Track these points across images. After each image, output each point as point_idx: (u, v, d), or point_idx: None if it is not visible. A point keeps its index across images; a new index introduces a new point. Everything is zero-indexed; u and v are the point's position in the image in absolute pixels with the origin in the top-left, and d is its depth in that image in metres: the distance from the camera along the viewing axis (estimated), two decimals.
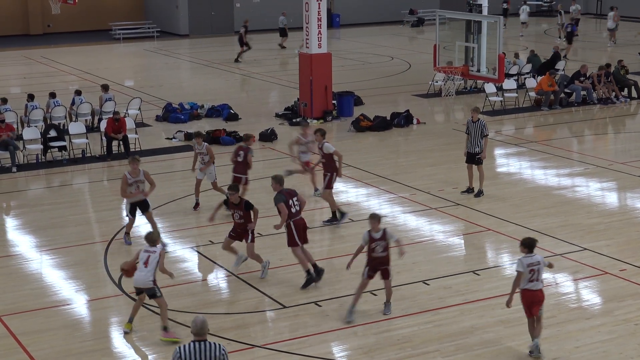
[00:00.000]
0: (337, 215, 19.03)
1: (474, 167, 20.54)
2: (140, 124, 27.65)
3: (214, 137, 26.09)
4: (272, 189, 16.01)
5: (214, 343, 10.33)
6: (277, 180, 15.93)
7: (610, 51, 43.23)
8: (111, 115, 25.06)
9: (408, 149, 25.81)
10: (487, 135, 20.53)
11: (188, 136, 26.42)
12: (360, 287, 14.54)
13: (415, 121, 28.32)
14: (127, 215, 18.02)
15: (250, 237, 15.98)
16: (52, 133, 24.73)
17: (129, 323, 14.15)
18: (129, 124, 25.53)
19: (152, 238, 13.95)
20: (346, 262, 16.58)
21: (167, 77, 38.57)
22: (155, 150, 25.39)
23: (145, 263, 13.76)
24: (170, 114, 29.31)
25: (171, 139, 26.72)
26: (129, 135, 24.86)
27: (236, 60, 41.90)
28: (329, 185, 18.99)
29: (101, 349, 13.69)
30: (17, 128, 25.70)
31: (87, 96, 29.14)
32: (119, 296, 15.52)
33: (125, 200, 17.91)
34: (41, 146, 24.50)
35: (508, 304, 13.09)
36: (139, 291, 14.04)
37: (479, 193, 20.53)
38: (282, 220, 15.59)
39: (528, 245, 13.05)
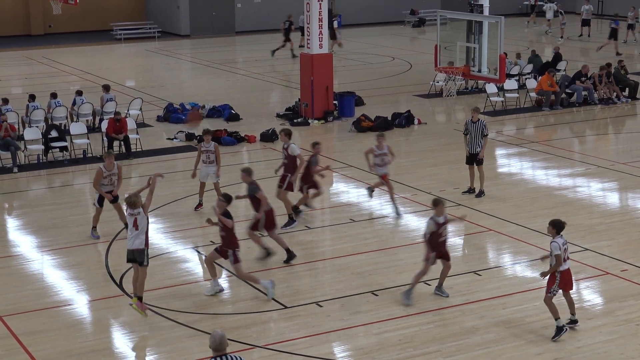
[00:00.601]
0: (293, 217, 18.90)
1: (475, 167, 20.55)
2: (141, 124, 27.65)
3: (215, 138, 26.05)
4: (243, 181, 16.74)
5: (234, 356, 10.08)
6: (248, 172, 16.67)
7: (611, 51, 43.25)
8: (112, 116, 25.06)
9: (409, 149, 25.80)
10: (487, 135, 20.52)
11: (189, 136, 26.42)
12: (422, 273, 14.87)
13: (416, 121, 28.31)
14: (94, 204, 18.56)
15: (233, 257, 15.12)
16: (53, 133, 24.73)
17: (135, 298, 14.40)
18: (130, 124, 25.52)
19: (132, 201, 14.31)
20: (348, 263, 16.65)
21: (168, 77, 38.57)
22: (157, 151, 25.39)
23: (135, 226, 14.21)
24: (171, 114, 29.31)
25: (172, 139, 26.71)
26: (130, 136, 24.85)
27: (272, 53, 42.43)
28: (289, 187, 18.87)
29: (102, 349, 13.69)
30: (18, 128, 25.69)
31: (88, 96, 29.14)
32: (120, 297, 15.52)
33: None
34: (42, 146, 24.51)
35: (543, 275, 13.77)
36: (131, 258, 14.39)
37: (480, 193, 20.53)
38: (263, 205, 16.26)
39: (557, 226, 13.43)
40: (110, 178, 18.25)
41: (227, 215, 15.07)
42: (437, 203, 14.85)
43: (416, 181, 21.82)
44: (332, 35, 45.49)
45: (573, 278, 13.86)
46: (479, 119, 20.41)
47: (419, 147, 25.69)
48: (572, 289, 13.84)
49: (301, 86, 29.33)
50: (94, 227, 18.49)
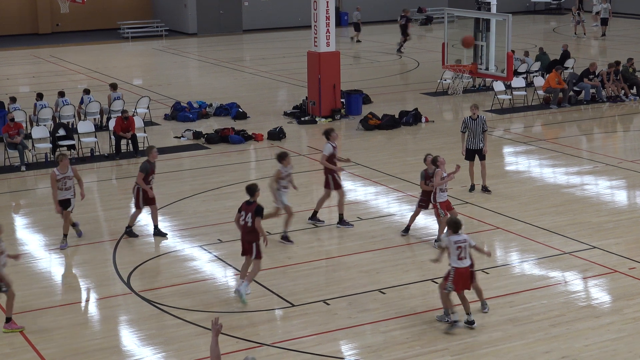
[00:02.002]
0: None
1: (478, 163, 20.52)
2: (148, 123, 27.68)
3: (222, 136, 26.11)
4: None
5: None
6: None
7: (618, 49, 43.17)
8: (120, 114, 25.09)
9: (416, 147, 25.76)
10: (486, 130, 20.55)
11: (196, 135, 26.43)
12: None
13: (423, 119, 28.28)
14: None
15: (255, 251, 15.10)
16: (61, 132, 24.77)
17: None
18: (138, 122, 25.55)
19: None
20: (355, 261, 16.66)
21: (176, 75, 38.60)
22: (164, 149, 25.37)
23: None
24: (179, 112, 29.33)
25: (180, 137, 26.72)
26: (137, 134, 24.88)
27: (398, 51, 42.65)
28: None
29: (110, 347, 13.70)
30: (26, 127, 25.74)
31: (96, 95, 29.18)
32: (128, 295, 15.53)
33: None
34: (50, 145, 24.55)
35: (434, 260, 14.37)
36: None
37: (485, 189, 20.51)
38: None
39: (452, 225, 13.73)
40: (64, 181, 17.73)
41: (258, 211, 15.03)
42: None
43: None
44: (357, 27, 46.20)
45: (475, 279, 13.96)
46: (478, 116, 20.42)
47: (426, 145, 25.61)
48: (467, 288, 13.88)
49: (308, 84, 29.32)
50: (65, 235, 17.94)
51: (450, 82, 32.47)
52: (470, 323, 13.89)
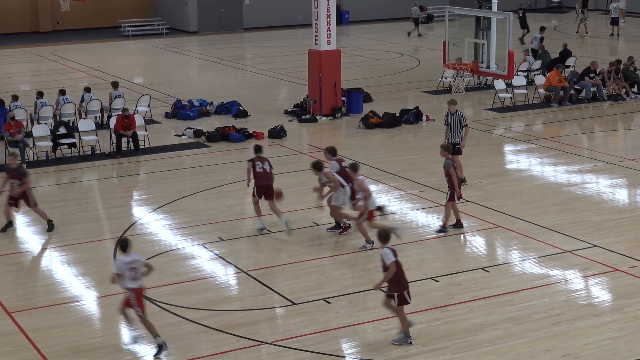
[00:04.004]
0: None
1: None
2: (149, 121, 27.68)
3: (223, 134, 26.11)
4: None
5: None
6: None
7: (618, 47, 43.16)
8: (120, 113, 25.08)
9: (417, 145, 25.77)
10: (466, 125, 20.74)
11: (197, 133, 26.43)
12: None
13: (424, 118, 28.27)
14: None
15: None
16: (62, 130, 24.76)
17: None
18: (138, 121, 25.55)
19: None
20: (357, 259, 16.67)
21: (176, 74, 38.60)
22: (165, 147, 25.40)
23: None
24: (180, 110, 29.33)
25: (180, 135, 26.72)
26: (138, 132, 24.88)
27: (522, 42, 43.01)
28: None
29: (111, 345, 13.70)
30: (27, 125, 25.75)
31: (97, 93, 29.17)
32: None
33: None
34: (51, 143, 24.55)
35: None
36: None
37: (462, 180, 20.58)
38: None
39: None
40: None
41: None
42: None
43: (424, 178, 21.77)
44: (416, 23, 46.70)
45: (144, 301, 13.28)
46: (456, 110, 20.52)
47: (427, 143, 25.60)
48: (142, 313, 13.22)
49: (309, 83, 29.31)
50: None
51: (452, 81, 32.46)
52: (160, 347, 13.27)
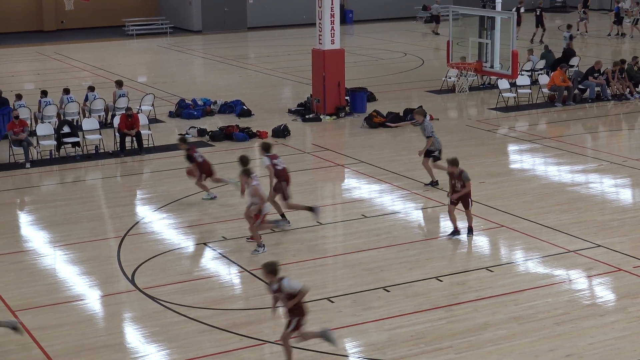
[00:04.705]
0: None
1: (429, 160, 20.88)
2: (153, 120, 27.69)
3: (227, 133, 26.11)
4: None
5: None
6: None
7: (623, 46, 43.11)
8: (124, 112, 25.10)
9: (421, 145, 25.67)
10: (429, 136, 20.75)
11: (201, 132, 26.43)
12: None
13: (428, 117, 28.16)
14: None
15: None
16: (66, 129, 24.77)
17: None
18: (142, 120, 25.55)
19: None
20: (360, 259, 16.67)
21: (180, 73, 38.61)
22: (169, 147, 25.39)
23: None
24: (183, 110, 29.35)
25: (184, 135, 26.71)
26: (142, 132, 24.89)
27: (540, 41, 42.70)
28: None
29: (114, 344, 13.71)
30: (31, 124, 25.77)
31: (101, 92, 29.17)
32: (132, 292, 15.53)
33: None
34: (55, 142, 24.56)
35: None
36: None
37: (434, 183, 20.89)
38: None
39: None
40: None
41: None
42: None
43: (428, 177, 21.74)
44: (437, 20, 47.05)
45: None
46: (423, 120, 20.78)
47: None
48: None
49: (313, 82, 29.31)
50: None
51: (455, 80, 32.44)
52: None
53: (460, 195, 17.43)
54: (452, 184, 17.59)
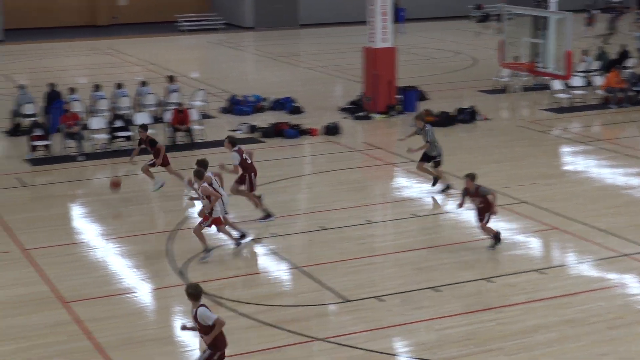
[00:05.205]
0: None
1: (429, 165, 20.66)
2: (204, 116, 27.79)
3: (277, 130, 26.13)
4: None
5: None
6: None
7: None
8: (176, 107, 25.22)
9: (472, 145, 25.52)
10: (426, 142, 20.41)
11: (251, 128, 26.49)
12: None
13: (479, 117, 28.01)
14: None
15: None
16: (118, 123, 24.97)
17: None
18: (194, 115, 25.67)
19: None
20: (410, 258, 16.56)
21: (232, 69, 38.73)
22: (220, 142, 25.39)
23: None
24: (235, 106, 29.43)
25: (235, 130, 26.78)
26: (193, 127, 24.99)
27: (604, 41, 42.57)
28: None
29: (163, 337, 13.76)
30: (84, 118, 25.98)
31: (153, 87, 29.35)
32: (182, 286, 15.54)
33: None
34: (107, 136, 24.75)
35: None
36: None
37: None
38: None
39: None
40: None
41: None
42: None
43: (479, 177, 21.49)
44: (497, 19, 46.80)
45: None
46: (424, 125, 20.43)
47: (482, 143, 25.43)
48: None
49: (364, 80, 29.23)
50: None
51: (509, 81, 32.14)
52: None
53: (490, 211, 16.86)
54: (471, 201, 17.03)
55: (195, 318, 11.37)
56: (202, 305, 11.38)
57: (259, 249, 17.32)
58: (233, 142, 18.47)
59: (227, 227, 16.94)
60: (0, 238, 17.96)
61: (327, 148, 24.65)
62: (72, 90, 27.31)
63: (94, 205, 20.19)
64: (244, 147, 19.06)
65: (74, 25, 52.12)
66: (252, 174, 18.45)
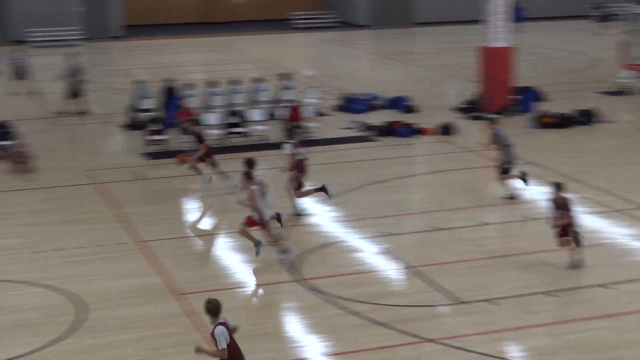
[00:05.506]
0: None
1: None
2: (317, 113, 27.80)
3: (390, 129, 25.96)
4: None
5: None
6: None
7: None
8: (290, 104, 25.30)
9: (591, 147, 24.87)
10: (506, 145, 19.66)
11: (364, 127, 26.37)
12: None
13: (599, 119, 27.23)
14: None
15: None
16: (233, 119, 25.17)
17: None
18: (307, 112, 25.70)
19: None
20: (526, 261, 16.18)
21: (346, 67, 38.71)
22: (332, 140, 25.46)
23: None
24: (348, 104, 29.37)
25: (348, 129, 26.72)
26: (306, 124, 25.03)
27: None
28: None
29: (273, 332, 13.77)
30: (199, 114, 26.26)
31: (267, 84, 29.49)
32: (292, 282, 15.55)
33: None
34: (222, 131, 24.98)
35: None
36: None
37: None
38: None
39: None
40: None
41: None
42: None
43: (598, 181, 21.00)
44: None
45: None
46: (496, 129, 19.71)
47: (601, 146, 24.75)
48: None
49: (480, 80, 28.81)
50: None
51: (629, 81, 31.24)
52: None
53: (563, 223, 15.80)
54: (557, 213, 15.92)
55: (212, 335, 10.87)
56: (221, 324, 10.89)
57: (371, 248, 17.19)
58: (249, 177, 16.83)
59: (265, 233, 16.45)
60: (118, 230, 18.29)
61: (441, 148, 24.36)
62: (188, 86, 27.65)
63: (209, 200, 20.39)
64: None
65: (191, 22, 52.91)
66: (301, 173, 18.59)
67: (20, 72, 32.50)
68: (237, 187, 19.11)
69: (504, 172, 19.69)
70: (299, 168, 18.69)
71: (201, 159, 20.74)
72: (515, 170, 19.81)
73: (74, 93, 29.34)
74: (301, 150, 18.97)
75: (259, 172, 17.12)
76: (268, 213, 16.30)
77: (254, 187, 16.29)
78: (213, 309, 10.96)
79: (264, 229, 16.30)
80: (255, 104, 27.64)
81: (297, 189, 18.76)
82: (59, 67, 31.08)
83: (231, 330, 10.97)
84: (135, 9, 51.44)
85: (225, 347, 10.78)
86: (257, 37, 48.40)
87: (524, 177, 19.73)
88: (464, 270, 15.96)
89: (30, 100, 31.65)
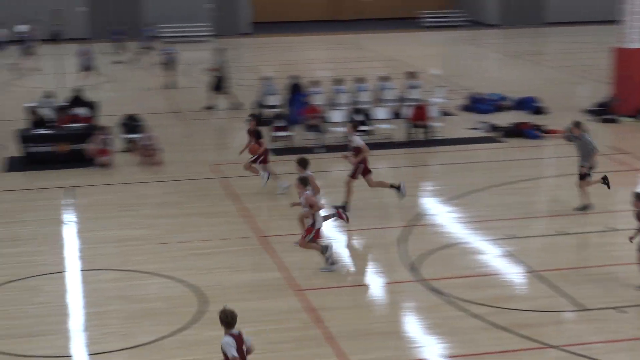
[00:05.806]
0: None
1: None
2: (443, 113, 27.53)
3: (518, 130, 25.50)
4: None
5: None
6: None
7: None
8: (415, 103, 25.13)
9: None
10: (593, 149, 18.87)
11: (491, 127, 25.98)
12: None
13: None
14: None
15: None
16: (358, 117, 25.14)
17: None
18: (433, 112, 25.48)
19: None
20: None
21: (474, 66, 38.29)
22: (458, 140, 25.17)
23: None
24: (475, 104, 29.00)
25: (474, 129, 26.36)
26: (432, 124, 24.81)
27: None
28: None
29: (393, 331, 13.65)
30: (324, 111, 26.35)
31: (393, 82, 29.37)
32: (414, 282, 15.39)
33: None
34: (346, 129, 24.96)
35: None
36: None
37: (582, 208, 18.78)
38: None
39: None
40: None
41: None
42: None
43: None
44: None
45: None
46: (580, 134, 18.82)
47: None
48: None
49: (614, 81, 28.02)
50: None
51: None
52: None
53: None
54: None
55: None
56: (230, 335, 10.42)
57: (494, 250, 16.88)
58: (305, 183, 16.31)
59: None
60: (241, 224, 18.46)
61: (570, 150, 23.74)
62: (314, 84, 27.76)
63: (332, 197, 20.36)
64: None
65: (319, 19, 53.21)
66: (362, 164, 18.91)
67: (170, 64, 33.63)
68: (288, 188, 19.81)
69: (584, 177, 18.91)
70: (363, 160, 18.82)
71: (263, 160, 20.62)
72: (595, 177, 19.07)
73: (219, 87, 29.98)
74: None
75: (310, 172, 17.00)
76: (321, 221, 15.97)
77: (308, 192, 15.92)
78: (226, 319, 10.46)
79: (314, 236, 15.86)
80: (381, 102, 27.57)
81: (354, 177, 19.00)
82: (191, 63, 31.72)
83: (240, 343, 10.45)
84: (263, 7, 52.10)
85: (236, 355, 10.30)
86: (385, 35, 48.34)
87: (606, 182, 19.02)
88: (588, 276, 15.50)
89: (168, 94, 32.47)
